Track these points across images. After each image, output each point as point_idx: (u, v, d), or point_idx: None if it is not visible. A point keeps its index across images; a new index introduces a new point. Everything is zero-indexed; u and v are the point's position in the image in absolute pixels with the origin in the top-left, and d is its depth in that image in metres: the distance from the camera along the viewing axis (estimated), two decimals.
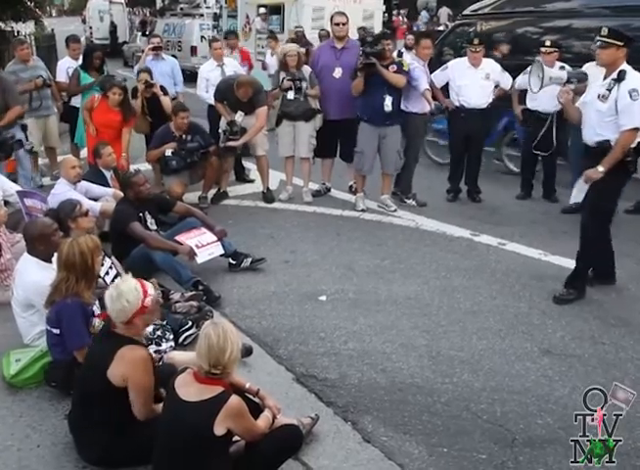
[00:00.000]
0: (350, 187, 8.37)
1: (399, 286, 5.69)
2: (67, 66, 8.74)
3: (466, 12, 13.01)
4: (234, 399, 2.96)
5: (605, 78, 5.22)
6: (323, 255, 6.38)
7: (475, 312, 5.24)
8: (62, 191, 5.95)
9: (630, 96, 4.97)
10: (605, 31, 5.17)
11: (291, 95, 7.63)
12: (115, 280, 3.35)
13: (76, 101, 8.51)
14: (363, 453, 3.58)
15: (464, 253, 6.53)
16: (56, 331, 3.83)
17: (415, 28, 22.05)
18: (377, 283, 5.75)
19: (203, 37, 19.41)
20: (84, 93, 8.26)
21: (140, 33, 24.73)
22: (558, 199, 8.06)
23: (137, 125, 8.05)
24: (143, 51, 9.73)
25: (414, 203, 7.98)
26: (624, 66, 5.12)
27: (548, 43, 7.85)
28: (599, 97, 5.18)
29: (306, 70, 7.71)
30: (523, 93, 8.03)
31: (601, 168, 5.09)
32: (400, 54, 7.62)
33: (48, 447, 3.53)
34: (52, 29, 17.44)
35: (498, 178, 8.68)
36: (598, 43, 5.33)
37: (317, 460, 3.48)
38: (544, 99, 7.77)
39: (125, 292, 3.24)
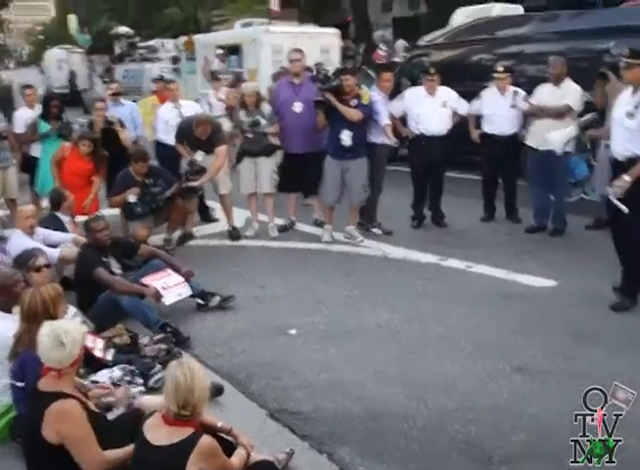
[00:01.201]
0: (316, 220, 8.43)
1: (369, 315, 5.71)
2: (24, 116, 8.74)
3: (420, 42, 13.35)
4: (205, 440, 2.93)
5: (633, 95, 5.38)
6: (292, 289, 6.39)
7: (446, 336, 5.27)
8: (19, 242, 5.87)
9: None
10: (627, 52, 5.41)
11: (250, 133, 7.73)
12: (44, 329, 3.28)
13: (36, 151, 8.50)
14: None
15: (432, 278, 6.58)
16: (20, 384, 3.74)
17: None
18: (347, 313, 5.77)
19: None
20: (43, 142, 8.25)
21: (100, 80, 24.85)
22: (520, 219, 8.20)
23: None
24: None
25: (380, 231, 8.05)
26: None
27: (501, 68, 8.07)
28: (627, 115, 5.33)
29: (266, 107, 7.80)
30: (479, 118, 8.20)
31: (627, 178, 5.23)
32: (359, 87, 7.76)
33: None
34: (9, 82, 17.42)
35: (461, 202, 8.79)
36: (623, 64, 5.49)
37: None
38: (501, 122, 7.99)
39: (64, 332, 3.20)
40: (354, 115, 7.30)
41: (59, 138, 8.05)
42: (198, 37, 19.01)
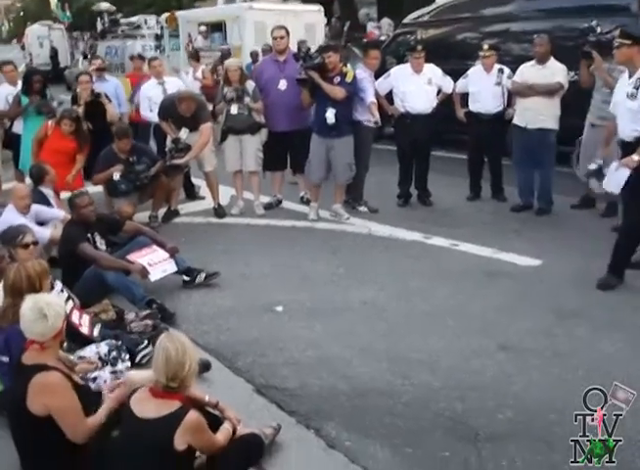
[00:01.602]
0: (302, 198, 8.40)
1: (355, 292, 5.70)
2: (5, 93, 8.58)
3: (406, 20, 13.25)
4: (192, 415, 2.93)
5: (630, 77, 5.39)
6: (278, 266, 6.37)
7: (431, 314, 5.28)
8: (9, 219, 5.81)
9: None
10: (617, 33, 5.49)
11: (234, 110, 7.64)
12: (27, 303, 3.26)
13: (18, 128, 8.36)
14: (327, 459, 3.57)
15: (418, 256, 6.59)
16: (5, 359, 3.73)
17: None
18: (333, 291, 5.76)
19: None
20: (25, 118, 8.14)
21: (82, 57, 24.50)
22: (506, 198, 8.22)
23: None
24: None
25: (366, 209, 8.04)
26: None
27: (486, 46, 8.04)
28: (628, 96, 5.34)
29: (250, 84, 7.73)
30: (464, 96, 8.18)
31: (636, 157, 5.25)
32: (345, 64, 7.70)
33: None
34: None
35: (447, 181, 8.78)
36: (615, 44, 5.50)
37: (281, 469, 3.46)
38: (486, 101, 7.98)
39: (47, 305, 3.18)
40: (337, 92, 7.24)
41: (39, 115, 7.93)
42: (181, 14, 18.75)
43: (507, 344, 4.74)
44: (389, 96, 8.17)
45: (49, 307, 3.18)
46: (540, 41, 7.53)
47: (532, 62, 7.62)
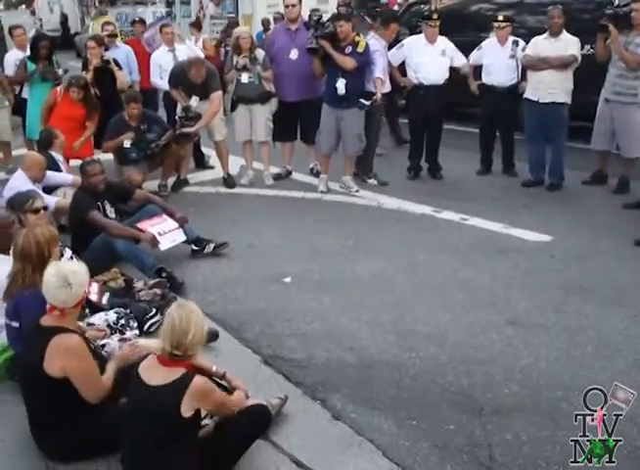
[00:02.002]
0: (312, 169, 8.35)
1: (364, 265, 5.69)
2: (14, 58, 8.53)
3: None
4: (198, 379, 2.93)
5: None
6: (287, 237, 6.36)
7: (439, 287, 5.27)
8: (19, 186, 5.77)
9: None
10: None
11: (245, 78, 7.57)
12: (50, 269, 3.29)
13: (27, 93, 8.33)
14: (333, 431, 3.58)
15: (427, 229, 6.56)
16: (15, 324, 3.73)
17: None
18: (341, 263, 5.75)
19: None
20: (31, 85, 8.09)
21: (92, 23, 24.27)
22: (517, 173, 8.13)
23: None
24: None
25: (375, 182, 7.98)
26: None
27: (501, 18, 7.91)
28: None
29: (259, 53, 7.64)
30: (478, 69, 8.07)
31: None
32: (358, 33, 7.59)
33: (13, 442, 3.46)
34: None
35: (458, 155, 8.70)
36: None
37: (287, 440, 3.47)
38: (500, 73, 7.85)
39: (71, 273, 3.21)
40: (348, 62, 7.15)
41: (44, 82, 7.88)
42: None
43: (515, 319, 4.73)
44: (402, 68, 8.06)
45: (74, 276, 3.21)
46: (555, 13, 7.39)
47: (545, 34, 7.49)
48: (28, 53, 8.38)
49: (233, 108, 7.86)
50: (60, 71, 8.39)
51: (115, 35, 9.04)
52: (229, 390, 3.41)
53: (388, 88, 7.92)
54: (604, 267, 5.54)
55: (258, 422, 3.31)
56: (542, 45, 7.47)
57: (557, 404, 3.75)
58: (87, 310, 4.28)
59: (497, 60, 7.84)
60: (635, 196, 6.96)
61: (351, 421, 3.63)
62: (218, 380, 3.46)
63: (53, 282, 3.19)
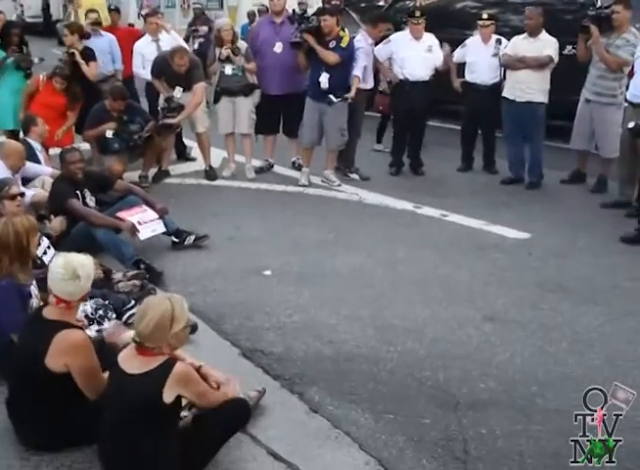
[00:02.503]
0: (293, 163, 8.35)
1: (344, 259, 5.70)
2: None
3: None
4: (180, 365, 2.92)
5: None
6: (267, 230, 6.36)
7: (418, 282, 5.30)
8: None
9: None
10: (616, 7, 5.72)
11: (229, 70, 7.55)
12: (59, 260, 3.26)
13: None
14: (310, 423, 3.59)
15: (407, 225, 6.59)
16: None
17: None
18: (321, 256, 5.76)
19: (140, 14, 18.93)
20: (1, 73, 7.92)
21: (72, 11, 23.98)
22: (497, 170, 8.19)
23: None
24: None
25: (357, 177, 8.01)
26: None
27: (485, 16, 7.96)
28: None
29: (242, 45, 7.61)
30: (461, 66, 8.10)
31: None
32: (343, 28, 7.59)
33: None
34: None
35: (439, 151, 8.75)
36: None
37: (265, 432, 3.47)
38: (483, 72, 7.90)
39: (80, 266, 3.19)
40: (331, 57, 7.17)
41: (17, 70, 7.78)
42: None
43: (492, 315, 4.77)
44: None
45: (83, 268, 3.20)
46: (531, 14, 7.48)
47: (525, 34, 7.55)
48: None
49: (216, 100, 7.83)
50: (35, 60, 8.28)
51: (100, 23, 8.90)
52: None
53: (370, 85, 7.94)
54: (581, 265, 5.61)
55: (238, 416, 3.30)
56: (521, 45, 7.53)
57: (531, 400, 3.79)
58: None
59: (480, 58, 7.89)
60: (612, 195, 7.05)
61: (329, 414, 3.64)
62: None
63: (61, 274, 3.16)
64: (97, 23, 8.82)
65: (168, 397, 2.87)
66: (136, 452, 2.93)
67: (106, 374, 3.21)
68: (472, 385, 3.93)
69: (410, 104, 7.84)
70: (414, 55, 7.74)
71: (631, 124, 6.15)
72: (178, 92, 7.45)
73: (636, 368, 4.04)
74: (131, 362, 2.95)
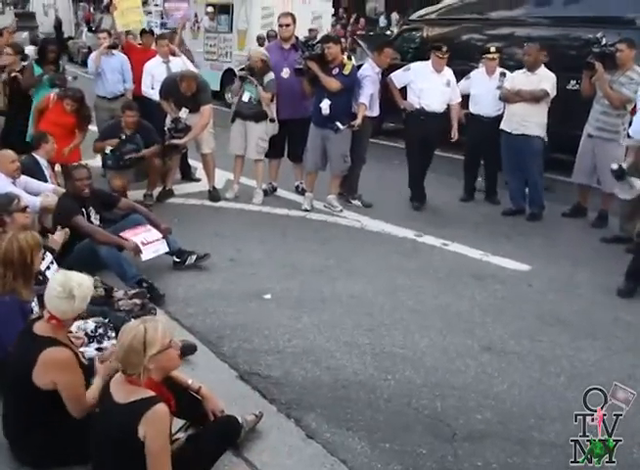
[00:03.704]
0: (297, 187, 8.39)
1: (343, 285, 5.71)
2: None
3: (412, 17, 13.21)
4: (160, 408, 2.82)
5: None
6: (268, 253, 6.37)
7: (417, 311, 5.29)
8: (0, 186, 5.75)
9: None
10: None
11: (246, 97, 7.69)
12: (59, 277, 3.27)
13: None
14: (306, 450, 3.57)
15: (408, 253, 6.60)
16: None
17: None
18: (321, 282, 5.76)
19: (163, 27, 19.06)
20: (37, 89, 8.00)
21: (86, 29, 24.24)
22: (499, 201, 8.22)
23: None
24: (89, 47, 9.51)
25: (360, 203, 8.03)
26: None
27: (493, 49, 8.04)
28: None
29: (269, 76, 7.67)
30: (465, 97, 8.16)
31: None
32: (349, 57, 7.66)
33: None
34: None
35: (442, 181, 8.78)
36: None
37: (260, 457, 3.46)
38: (486, 103, 7.97)
39: (77, 287, 3.20)
40: (333, 84, 7.23)
41: (52, 88, 7.87)
42: None
43: (491, 345, 4.76)
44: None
45: (79, 289, 3.20)
46: (530, 50, 7.56)
47: (524, 69, 7.64)
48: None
49: (232, 120, 7.93)
50: (69, 78, 8.39)
51: (115, 46, 8.94)
52: (200, 404, 3.41)
53: (376, 112, 7.99)
54: (580, 299, 5.60)
55: (227, 432, 3.32)
56: (519, 79, 7.61)
57: (528, 432, 3.78)
58: None
59: (484, 90, 7.95)
60: (613, 230, 7.06)
61: (325, 441, 3.63)
62: (194, 394, 3.46)
63: (57, 292, 3.18)
64: (113, 46, 8.88)
65: (142, 433, 2.77)
66: None
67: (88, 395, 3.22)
68: (469, 415, 3.91)
69: (424, 133, 7.78)
70: (433, 87, 7.68)
71: (614, 166, 6.16)
72: (184, 113, 7.52)
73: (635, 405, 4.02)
74: (119, 390, 2.91)
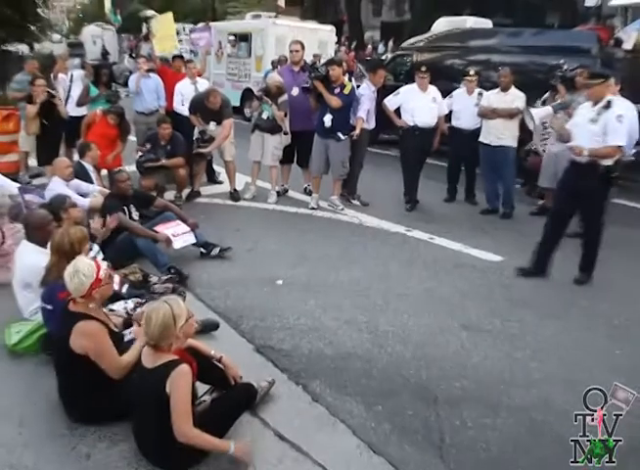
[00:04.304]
0: (305, 189, 8.39)
1: (345, 272, 5.71)
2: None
3: (404, 44, 13.17)
4: (183, 367, 2.91)
5: (593, 106, 5.29)
6: (281, 245, 6.37)
7: (406, 295, 5.30)
8: (57, 188, 5.79)
9: (618, 120, 5.11)
10: (587, 73, 5.53)
11: (265, 115, 7.71)
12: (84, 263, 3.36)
13: (75, 111, 8.41)
14: (312, 411, 3.60)
15: (399, 245, 6.59)
16: (49, 307, 3.74)
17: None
18: (326, 269, 5.77)
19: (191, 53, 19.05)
20: (96, 104, 8.26)
21: (127, 55, 24.24)
22: (477, 202, 8.21)
23: (28, 127, 7.71)
24: (130, 71, 9.59)
25: (358, 203, 8.03)
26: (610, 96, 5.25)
27: (472, 72, 8.02)
28: (590, 121, 5.25)
29: (283, 97, 7.66)
30: (448, 113, 8.13)
31: (586, 152, 5.22)
32: (350, 79, 7.65)
33: (44, 404, 3.48)
34: (51, 51, 16.99)
35: (429, 184, 8.74)
36: (582, 82, 5.62)
37: (273, 417, 3.48)
38: (467, 118, 7.94)
39: (81, 268, 3.25)
40: (334, 101, 7.24)
41: (107, 103, 7.98)
42: (214, 24, 18.51)
43: (468, 324, 4.77)
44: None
45: (83, 269, 3.27)
46: (504, 73, 7.53)
47: (497, 89, 7.61)
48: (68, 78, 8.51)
49: (252, 131, 7.93)
50: (122, 95, 8.50)
51: (153, 70, 8.99)
52: (221, 371, 3.45)
53: (372, 125, 7.98)
54: (544, 285, 5.60)
55: (245, 396, 3.37)
56: (494, 98, 7.59)
57: (498, 397, 3.79)
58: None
59: (465, 107, 7.92)
60: (573, 227, 7.02)
61: (328, 404, 3.65)
62: (216, 362, 3.49)
63: (69, 272, 3.27)
64: (150, 70, 8.90)
65: (169, 388, 2.86)
66: (153, 434, 2.95)
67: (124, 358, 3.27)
68: (449, 383, 3.93)
69: (418, 146, 7.74)
70: (422, 104, 7.64)
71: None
72: (213, 125, 7.57)
73: (587, 370, 4.03)
74: (148, 357, 3.00)
